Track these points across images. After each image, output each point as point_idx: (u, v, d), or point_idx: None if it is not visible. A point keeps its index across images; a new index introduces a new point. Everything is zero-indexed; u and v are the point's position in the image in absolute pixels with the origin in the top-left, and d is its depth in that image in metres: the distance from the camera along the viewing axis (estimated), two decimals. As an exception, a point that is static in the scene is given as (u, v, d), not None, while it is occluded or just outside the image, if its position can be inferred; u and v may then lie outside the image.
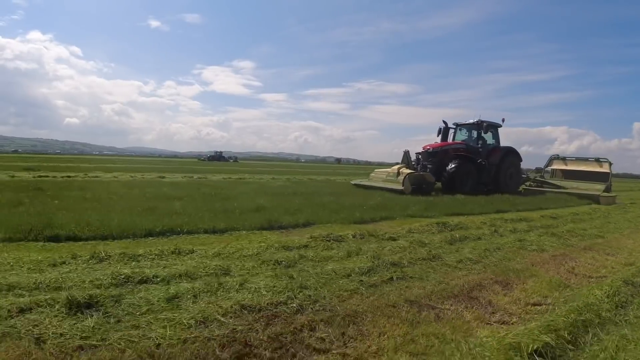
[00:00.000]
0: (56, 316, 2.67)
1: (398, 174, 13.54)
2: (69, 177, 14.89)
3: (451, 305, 3.41)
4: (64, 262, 3.84)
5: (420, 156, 15.40)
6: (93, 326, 2.55)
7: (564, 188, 16.56)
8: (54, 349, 2.28)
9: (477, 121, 15.97)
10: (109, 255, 4.04)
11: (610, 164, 17.00)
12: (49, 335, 2.42)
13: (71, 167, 22.80)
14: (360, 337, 2.71)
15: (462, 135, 16.81)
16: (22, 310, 2.71)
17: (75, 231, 5.04)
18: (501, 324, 3.12)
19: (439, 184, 14.52)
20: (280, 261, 4.19)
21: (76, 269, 3.70)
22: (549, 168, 18.66)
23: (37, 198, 7.82)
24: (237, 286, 3.37)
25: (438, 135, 16.71)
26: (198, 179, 17.42)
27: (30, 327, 2.49)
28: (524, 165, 19.67)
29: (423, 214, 8.32)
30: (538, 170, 19.03)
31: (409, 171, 13.40)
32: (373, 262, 4.35)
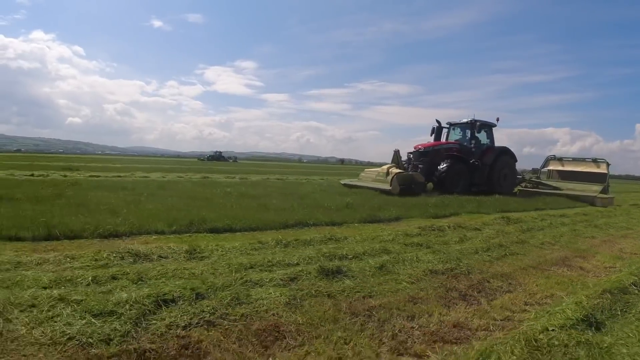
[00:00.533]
0: (321, 279, 3.55)
1: (387, 173, 13.21)
2: (119, 177, 15.99)
3: (557, 268, 4.84)
4: (260, 247, 4.67)
5: (411, 156, 15.06)
6: (352, 284, 3.52)
7: (559, 189, 16.20)
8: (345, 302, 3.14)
9: (470, 120, 15.61)
10: (288, 242, 5.02)
11: (608, 164, 16.60)
12: (334, 292, 3.28)
13: (104, 167, 24.08)
14: (520, 284, 4.07)
15: (455, 135, 16.45)
16: (292, 279, 3.47)
17: (231, 225, 5.88)
18: (596, 277, 4.58)
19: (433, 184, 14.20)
20: (420, 243, 5.42)
21: (275, 251, 4.57)
22: (546, 169, 18.29)
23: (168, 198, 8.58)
24: (415, 259, 4.50)
25: (431, 135, 16.40)
26: (240, 179, 18.40)
27: (310, 289, 3.28)
28: (525, 166, 19.35)
29: (480, 211, 9.90)
30: (535, 171, 18.62)
31: (397, 171, 13.06)
32: (485, 244, 5.75)
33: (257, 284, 3.33)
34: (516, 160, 16.58)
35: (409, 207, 9.11)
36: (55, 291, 2.82)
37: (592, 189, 15.52)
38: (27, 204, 6.59)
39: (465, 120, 15.93)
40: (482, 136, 16.26)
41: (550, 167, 18.16)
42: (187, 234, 5.37)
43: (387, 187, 12.48)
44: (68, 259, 3.74)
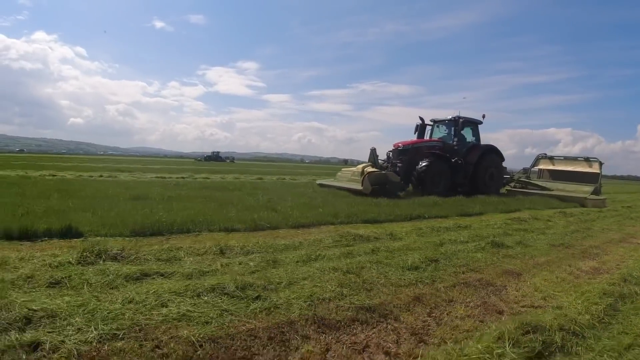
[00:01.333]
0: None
1: (362, 173, 12.51)
2: (183, 178, 17.43)
3: (623, 243, 6.83)
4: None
5: (390, 154, 14.34)
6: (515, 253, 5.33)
7: (549, 190, 15.41)
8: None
9: (454, 117, 14.86)
10: (403, 235, 6.14)
11: (601, 163, 15.78)
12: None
13: (151, 168, 25.41)
14: (610, 251, 6.02)
15: (440, 133, 15.71)
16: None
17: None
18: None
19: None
20: (525, 229, 7.49)
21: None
22: (536, 168, 17.49)
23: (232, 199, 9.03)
24: (533, 239, 6.51)
25: (415, 133, 15.68)
26: (257, 179, 18.87)
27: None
28: (526, 167, 18.36)
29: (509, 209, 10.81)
30: (525, 170, 17.79)
31: (370, 170, 12.35)
32: (565, 229, 7.85)
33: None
34: (503, 159, 15.79)
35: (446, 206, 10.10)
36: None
37: (583, 190, 14.73)
38: (176, 203, 7.85)
39: (449, 117, 15.19)
40: (468, 134, 15.53)
41: (541, 167, 17.37)
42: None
43: (359, 187, 11.79)
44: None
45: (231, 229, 5.82)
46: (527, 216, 9.11)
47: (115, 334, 2.25)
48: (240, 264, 3.88)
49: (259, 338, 2.42)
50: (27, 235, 4.56)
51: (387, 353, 2.41)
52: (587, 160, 16.11)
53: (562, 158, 17.04)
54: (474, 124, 15.43)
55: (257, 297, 2.97)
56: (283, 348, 2.35)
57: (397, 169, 13.64)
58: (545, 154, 17.39)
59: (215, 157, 66.80)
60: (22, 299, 2.54)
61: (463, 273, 4.12)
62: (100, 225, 5.17)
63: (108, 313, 2.47)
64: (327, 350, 2.39)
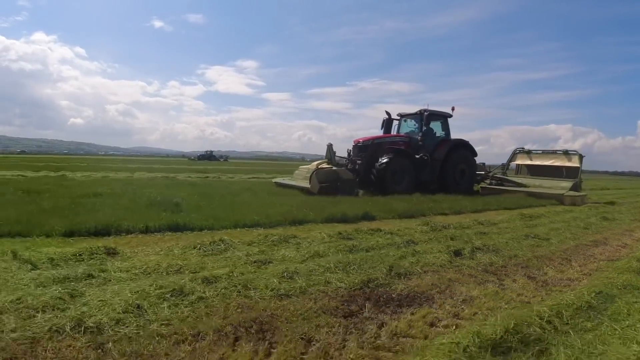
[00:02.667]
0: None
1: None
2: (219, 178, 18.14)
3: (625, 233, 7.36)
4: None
5: (351, 151, 13.52)
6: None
7: (525, 186, 14.46)
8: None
9: (419, 110, 13.97)
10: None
11: (582, 157, 14.73)
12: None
13: (165, 168, 25.79)
14: (608, 243, 6.26)
15: (408, 128, 14.85)
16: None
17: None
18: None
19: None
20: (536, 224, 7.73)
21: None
22: (513, 163, 16.50)
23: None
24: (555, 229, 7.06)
25: (382, 128, 14.79)
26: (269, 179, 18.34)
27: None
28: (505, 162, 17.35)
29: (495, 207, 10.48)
30: (503, 166, 16.80)
31: (320, 167, 11.54)
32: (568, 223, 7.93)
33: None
34: (476, 155, 14.86)
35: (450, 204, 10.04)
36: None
37: (561, 186, 13.75)
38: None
39: (417, 110, 14.29)
40: (437, 128, 14.63)
41: (518, 162, 16.37)
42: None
43: (306, 185, 11.01)
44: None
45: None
46: (443, 222, 7.23)
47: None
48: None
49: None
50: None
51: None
52: (567, 153, 15.08)
53: (540, 152, 16.04)
54: (443, 118, 14.54)
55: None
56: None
57: (357, 166, 12.84)
58: (522, 148, 16.39)
59: (208, 156, 66.96)
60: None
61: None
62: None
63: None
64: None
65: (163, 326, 2.41)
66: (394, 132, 14.66)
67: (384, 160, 12.30)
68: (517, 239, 5.83)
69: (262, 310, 2.76)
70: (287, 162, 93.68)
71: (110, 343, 2.16)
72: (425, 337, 2.53)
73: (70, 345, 2.12)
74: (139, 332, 2.31)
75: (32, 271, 3.30)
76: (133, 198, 8.02)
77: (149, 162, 40.83)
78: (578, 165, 14.57)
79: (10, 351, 2.03)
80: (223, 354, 2.19)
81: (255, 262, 3.93)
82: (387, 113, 14.75)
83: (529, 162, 16.01)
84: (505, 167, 16.58)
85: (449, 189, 13.09)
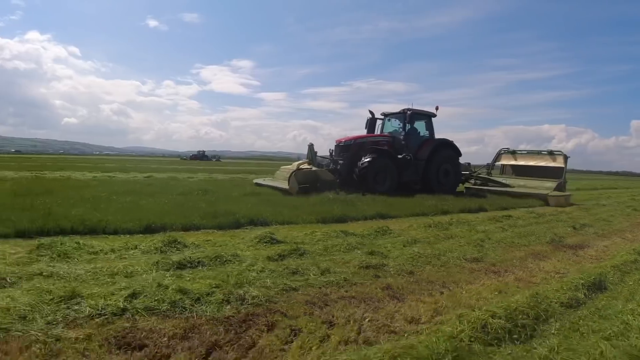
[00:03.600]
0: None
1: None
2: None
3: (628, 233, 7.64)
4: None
5: (332, 151, 13.37)
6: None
7: (509, 187, 14.40)
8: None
9: (402, 110, 13.83)
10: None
11: (566, 157, 14.71)
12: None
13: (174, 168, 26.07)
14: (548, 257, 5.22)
15: (392, 127, 14.70)
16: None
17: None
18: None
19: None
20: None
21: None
22: (498, 163, 16.45)
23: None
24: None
25: (366, 128, 14.65)
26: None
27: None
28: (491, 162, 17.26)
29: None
30: (488, 166, 16.74)
31: (304, 168, 11.38)
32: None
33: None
34: (460, 155, 14.75)
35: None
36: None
37: (545, 186, 13.70)
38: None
39: (400, 110, 14.15)
40: (421, 128, 14.51)
41: (503, 162, 16.33)
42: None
43: (285, 185, 10.84)
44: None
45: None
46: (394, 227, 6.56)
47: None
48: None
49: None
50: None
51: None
52: (551, 153, 15.07)
53: (525, 152, 16.01)
54: (427, 117, 14.42)
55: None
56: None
57: (339, 166, 12.68)
58: (507, 148, 16.37)
59: (201, 156, 66.92)
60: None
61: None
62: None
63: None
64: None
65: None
66: (377, 131, 14.53)
67: (366, 160, 12.15)
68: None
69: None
70: (281, 162, 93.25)
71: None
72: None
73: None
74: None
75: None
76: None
77: (151, 162, 40.93)
78: (562, 165, 14.54)
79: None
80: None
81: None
82: (371, 112, 14.62)
83: (513, 162, 15.98)
84: (490, 167, 16.52)
85: (432, 189, 12.98)
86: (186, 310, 2.72)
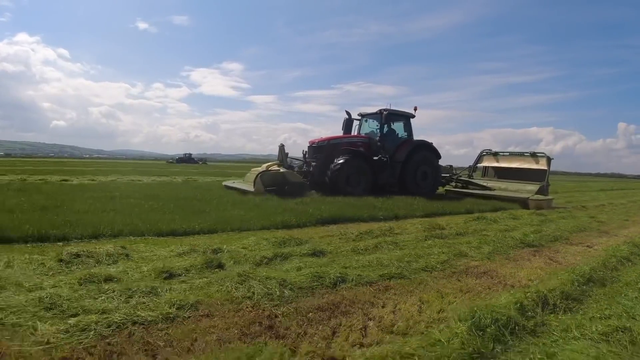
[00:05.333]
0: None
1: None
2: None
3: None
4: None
5: (306, 152, 12.76)
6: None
7: (490, 189, 13.89)
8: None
9: (379, 110, 13.28)
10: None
11: (550, 159, 14.23)
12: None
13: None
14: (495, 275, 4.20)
15: (369, 128, 14.14)
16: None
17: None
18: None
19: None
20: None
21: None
22: (480, 165, 15.95)
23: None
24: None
25: (343, 129, 14.06)
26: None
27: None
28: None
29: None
30: (470, 168, 16.24)
31: (272, 169, 10.73)
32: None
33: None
34: (439, 157, 14.21)
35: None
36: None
37: (527, 189, 13.22)
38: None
39: (377, 110, 13.60)
40: (399, 129, 13.97)
41: (485, 164, 15.83)
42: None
43: (251, 188, 10.19)
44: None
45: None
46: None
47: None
48: None
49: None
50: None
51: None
52: (534, 155, 14.57)
53: (507, 154, 15.51)
54: (404, 118, 13.88)
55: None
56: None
57: (312, 168, 12.07)
58: (490, 149, 15.86)
59: (187, 159, 66.03)
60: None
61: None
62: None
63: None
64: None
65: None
66: (354, 132, 13.96)
67: (339, 162, 11.56)
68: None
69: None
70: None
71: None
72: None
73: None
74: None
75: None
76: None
77: (147, 166, 40.15)
78: (545, 167, 14.05)
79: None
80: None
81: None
82: (347, 113, 14.04)
83: (495, 164, 15.49)
84: (471, 169, 16.03)
85: (409, 192, 12.42)
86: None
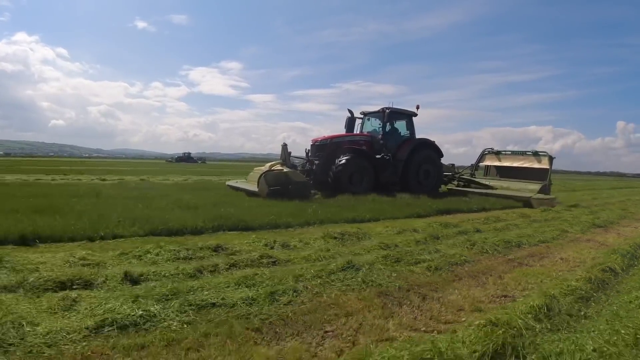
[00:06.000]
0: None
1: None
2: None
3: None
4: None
5: (308, 151, 12.73)
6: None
7: (492, 188, 13.88)
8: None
9: (381, 109, 13.25)
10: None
11: (552, 158, 14.22)
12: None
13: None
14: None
15: (371, 127, 14.12)
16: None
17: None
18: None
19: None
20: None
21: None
22: (482, 164, 15.94)
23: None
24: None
25: (345, 127, 14.02)
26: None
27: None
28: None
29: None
30: (472, 167, 16.23)
31: (275, 169, 10.68)
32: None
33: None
34: (441, 155, 14.19)
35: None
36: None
37: (529, 188, 13.22)
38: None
39: (379, 109, 13.57)
40: (401, 127, 13.94)
41: (487, 162, 15.82)
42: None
43: (255, 188, 10.14)
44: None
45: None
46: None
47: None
48: None
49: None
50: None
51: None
52: (536, 154, 14.57)
53: (509, 153, 15.51)
54: (407, 117, 13.85)
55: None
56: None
57: (314, 167, 12.03)
58: (492, 148, 15.85)
59: (186, 158, 65.92)
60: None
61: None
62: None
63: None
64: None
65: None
66: (357, 131, 13.92)
67: (342, 161, 11.54)
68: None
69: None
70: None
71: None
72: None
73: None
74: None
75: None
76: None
77: (155, 165, 40.47)
78: (547, 167, 14.05)
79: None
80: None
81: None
82: (350, 111, 14.00)
83: (497, 163, 15.49)
84: (473, 168, 16.02)
85: (411, 190, 12.39)
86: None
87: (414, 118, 13.97)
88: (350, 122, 13.95)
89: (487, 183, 14.47)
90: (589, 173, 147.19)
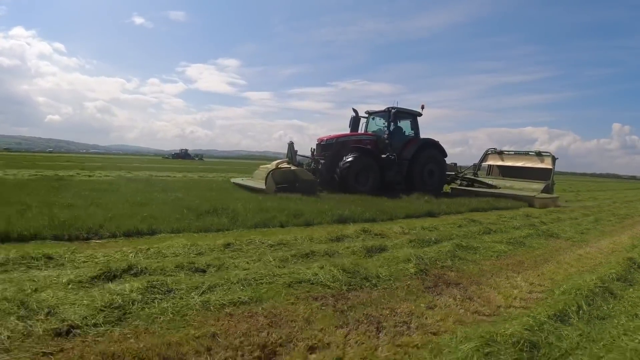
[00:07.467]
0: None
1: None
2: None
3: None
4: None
5: (314, 150, 12.75)
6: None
7: (495, 188, 13.96)
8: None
9: (387, 108, 13.28)
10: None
11: (554, 158, 14.35)
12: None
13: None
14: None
15: (376, 126, 14.16)
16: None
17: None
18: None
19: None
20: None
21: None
22: (485, 164, 16.04)
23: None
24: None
25: (350, 127, 14.06)
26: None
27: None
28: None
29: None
30: (475, 166, 16.33)
31: (282, 167, 10.70)
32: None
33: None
34: (445, 155, 14.25)
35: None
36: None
37: (532, 188, 13.32)
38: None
39: (385, 108, 13.60)
40: (406, 127, 13.98)
41: (490, 162, 15.92)
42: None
43: (262, 185, 10.15)
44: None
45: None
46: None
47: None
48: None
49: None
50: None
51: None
52: (539, 154, 14.69)
53: (512, 152, 15.62)
54: (411, 116, 13.90)
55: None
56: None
57: (320, 165, 12.06)
58: (494, 148, 15.96)
59: (183, 155, 65.66)
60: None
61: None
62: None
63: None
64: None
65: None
66: (361, 130, 13.96)
67: (348, 160, 11.58)
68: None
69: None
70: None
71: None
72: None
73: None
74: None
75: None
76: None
77: (156, 162, 40.14)
78: (550, 166, 14.17)
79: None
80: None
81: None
82: (355, 111, 14.04)
83: (500, 162, 15.59)
84: (476, 167, 16.11)
85: (416, 190, 12.43)
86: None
87: (418, 118, 14.01)
88: (355, 121, 13.98)
89: (490, 182, 14.55)
90: (584, 174, 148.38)
